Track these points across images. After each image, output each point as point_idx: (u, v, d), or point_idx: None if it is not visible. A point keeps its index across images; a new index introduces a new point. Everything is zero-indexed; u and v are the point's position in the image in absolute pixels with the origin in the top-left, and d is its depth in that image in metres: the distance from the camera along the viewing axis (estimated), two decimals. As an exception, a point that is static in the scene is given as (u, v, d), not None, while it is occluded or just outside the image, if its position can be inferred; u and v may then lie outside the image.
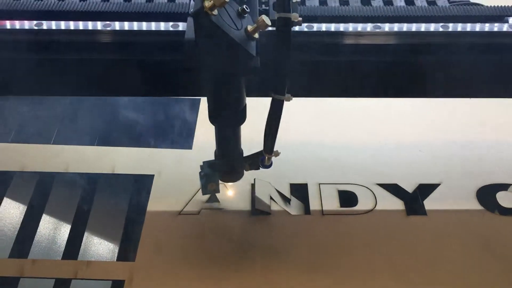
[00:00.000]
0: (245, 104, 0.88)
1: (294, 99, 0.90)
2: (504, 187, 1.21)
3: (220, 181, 1.08)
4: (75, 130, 1.39)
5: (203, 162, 1.04)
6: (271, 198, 1.19)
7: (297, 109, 1.39)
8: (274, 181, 1.22)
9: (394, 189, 1.21)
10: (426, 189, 1.20)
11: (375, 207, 1.17)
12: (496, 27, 0.90)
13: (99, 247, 1.13)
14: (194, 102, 1.46)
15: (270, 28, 0.73)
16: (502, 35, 0.89)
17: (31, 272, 1.04)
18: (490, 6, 0.92)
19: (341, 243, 1.10)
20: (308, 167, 1.26)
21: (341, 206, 1.17)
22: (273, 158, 0.95)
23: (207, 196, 1.16)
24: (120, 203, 1.21)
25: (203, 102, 1.45)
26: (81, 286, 1.04)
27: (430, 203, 1.17)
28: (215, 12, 0.68)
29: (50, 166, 1.27)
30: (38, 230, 1.15)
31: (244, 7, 0.74)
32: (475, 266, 1.06)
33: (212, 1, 0.67)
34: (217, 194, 1.13)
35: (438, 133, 1.34)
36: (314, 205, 1.18)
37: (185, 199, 1.18)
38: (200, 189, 1.09)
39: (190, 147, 1.33)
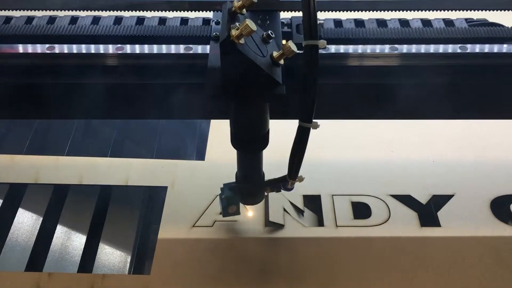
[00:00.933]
0: (268, 129, 0.87)
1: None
2: (518, 198, 1.21)
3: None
4: (89, 141, 1.40)
5: (224, 185, 1.04)
6: (284, 210, 1.19)
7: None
8: (288, 192, 1.22)
9: (407, 200, 1.21)
10: (439, 200, 1.20)
11: (388, 218, 1.17)
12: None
13: (114, 260, 1.14)
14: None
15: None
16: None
17: (47, 285, 1.05)
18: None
19: (355, 255, 1.10)
20: (321, 179, 1.26)
21: (355, 217, 1.17)
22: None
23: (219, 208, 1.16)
24: (134, 215, 1.22)
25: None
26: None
27: (443, 214, 1.17)
28: (242, 40, 0.67)
29: (64, 178, 1.28)
30: (53, 243, 1.16)
31: (270, 32, 0.74)
32: (488, 278, 1.06)
33: (239, 30, 0.66)
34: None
35: (451, 144, 1.34)
36: (327, 217, 1.18)
37: (199, 211, 1.18)
38: (220, 209, 1.06)
39: (202, 158, 1.33)
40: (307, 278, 1.06)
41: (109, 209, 1.24)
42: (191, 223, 1.16)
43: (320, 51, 0.81)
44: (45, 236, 1.18)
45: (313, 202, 1.21)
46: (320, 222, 1.17)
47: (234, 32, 0.66)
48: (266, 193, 1.02)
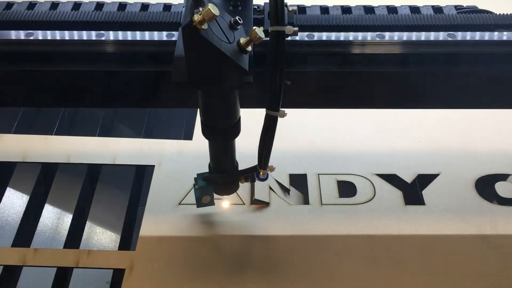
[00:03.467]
0: (239, 117, 0.85)
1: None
2: (503, 177, 1.21)
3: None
4: (77, 121, 1.41)
5: (197, 175, 1.02)
6: (270, 188, 1.20)
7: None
8: (274, 171, 1.23)
9: (393, 179, 1.21)
10: (424, 179, 1.21)
11: (373, 197, 1.18)
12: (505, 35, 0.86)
13: (101, 237, 1.15)
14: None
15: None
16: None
17: (33, 261, 1.06)
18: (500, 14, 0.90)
19: (339, 232, 1.11)
20: (308, 158, 1.27)
21: (340, 196, 1.18)
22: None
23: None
24: (121, 194, 1.22)
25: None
26: (83, 274, 1.06)
27: (428, 193, 1.18)
28: (205, 26, 0.65)
29: (52, 157, 1.28)
30: (40, 220, 1.17)
31: (237, 18, 0.72)
32: (471, 255, 1.07)
33: (201, 15, 0.64)
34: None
35: (438, 124, 1.34)
36: (313, 195, 1.19)
37: (185, 189, 1.19)
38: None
39: (190, 138, 1.34)
40: (291, 255, 1.07)
41: (97, 188, 1.25)
42: (177, 201, 1.17)
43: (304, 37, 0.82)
44: (32, 214, 1.19)
45: (299, 181, 1.22)
46: (305, 201, 1.18)
47: (196, 18, 0.64)
48: (240, 183, 1.01)
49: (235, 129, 0.86)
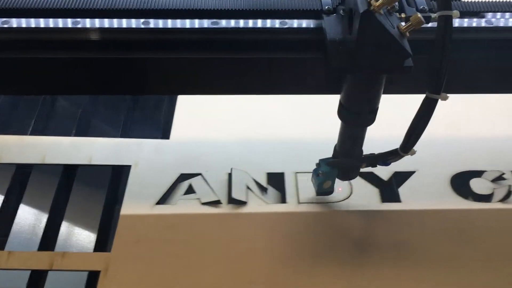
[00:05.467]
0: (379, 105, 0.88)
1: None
2: (478, 174, 1.22)
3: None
4: (53, 121, 1.39)
5: (320, 160, 1.04)
6: (247, 187, 1.19)
7: (273, 100, 1.40)
8: (251, 170, 1.23)
9: (370, 177, 1.22)
10: (401, 177, 1.22)
11: (350, 195, 1.18)
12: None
13: (76, 238, 1.14)
14: (172, 92, 1.46)
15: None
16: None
17: (6, 264, 1.05)
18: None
19: (315, 230, 1.12)
20: (286, 156, 1.27)
21: (317, 194, 1.19)
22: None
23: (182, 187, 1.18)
24: (97, 194, 1.21)
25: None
26: (59, 277, 1.05)
27: (404, 190, 1.19)
28: (381, 11, 0.69)
29: (27, 158, 1.26)
30: (16, 222, 1.15)
31: (395, 4, 0.74)
32: (447, 251, 1.08)
33: (381, 1, 0.68)
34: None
35: (376, 125, 1.35)
36: (290, 194, 1.19)
37: (162, 189, 1.18)
38: (314, 185, 1.08)
39: (168, 137, 1.33)
40: (266, 253, 1.07)
41: (73, 188, 1.23)
42: (153, 201, 1.16)
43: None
44: (7, 216, 1.17)
45: (276, 180, 1.22)
46: (282, 199, 1.18)
47: (375, 3, 0.68)
48: (361, 168, 1.03)
49: (374, 115, 0.90)
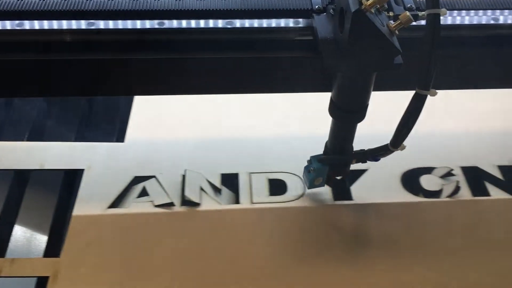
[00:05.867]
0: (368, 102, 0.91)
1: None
2: (428, 170, 1.25)
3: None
4: (5, 125, 1.37)
5: (311, 157, 1.05)
6: (201, 189, 1.20)
7: (228, 101, 1.41)
8: (206, 171, 1.24)
9: (323, 176, 1.24)
10: (353, 175, 1.23)
11: (303, 194, 1.20)
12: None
13: (28, 244, 1.13)
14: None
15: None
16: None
17: (-48, 272, 1.03)
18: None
19: (268, 229, 1.12)
20: (240, 157, 1.28)
21: (271, 194, 1.19)
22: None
23: (136, 191, 1.18)
24: (50, 199, 1.20)
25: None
26: (7, 284, 1.04)
27: (356, 188, 1.21)
28: (373, 10, 0.71)
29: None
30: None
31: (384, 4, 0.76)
32: (398, 247, 1.10)
33: (372, 1, 0.70)
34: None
35: (365, 122, 1.37)
36: (244, 194, 1.19)
37: (114, 193, 1.17)
38: (305, 181, 1.11)
39: (122, 140, 1.32)
40: (218, 253, 1.07)
41: (26, 193, 1.21)
42: (106, 204, 1.15)
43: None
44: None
45: (230, 181, 1.22)
46: (236, 200, 1.19)
47: (366, 2, 0.69)
48: (351, 164, 1.05)
49: (364, 112, 0.92)
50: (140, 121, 1.37)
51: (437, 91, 0.79)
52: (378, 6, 0.75)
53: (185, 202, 1.16)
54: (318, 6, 0.89)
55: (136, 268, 1.05)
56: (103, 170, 1.23)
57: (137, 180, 1.21)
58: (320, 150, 1.10)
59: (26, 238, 1.14)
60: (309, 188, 1.12)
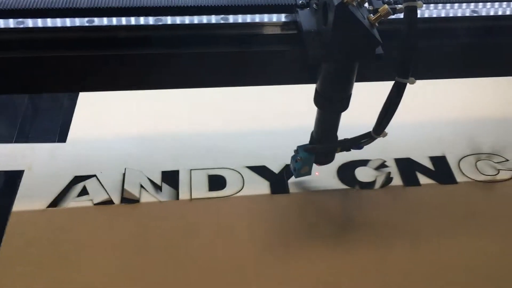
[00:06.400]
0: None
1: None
2: (363, 163, 1.30)
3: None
4: None
5: (298, 147, 1.09)
6: (141, 186, 1.22)
7: (168, 97, 1.43)
8: (146, 169, 1.26)
9: (262, 170, 1.27)
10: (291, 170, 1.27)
11: (242, 189, 1.23)
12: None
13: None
14: (72, 95, 1.46)
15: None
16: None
17: None
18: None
19: (207, 225, 1.15)
20: (181, 154, 1.30)
21: (210, 190, 1.22)
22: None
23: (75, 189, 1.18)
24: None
25: (82, 96, 1.46)
26: None
27: (293, 183, 1.24)
28: (354, 3, 0.76)
29: None
30: None
31: None
32: (333, 239, 1.14)
33: None
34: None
35: (303, 115, 1.41)
36: (183, 191, 1.22)
37: (54, 192, 1.18)
38: (292, 170, 1.14)
39: (64, 141, 1.33)
40: (158, 248, 1.10)
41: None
42: (45, 204, 1.16)
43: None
44: None
45: (171, 178, 1.25)
46: (176, 196, 1.21)
47: None
48: (336, 153, 1.09)
49: (347, 101, 0.96)
50: (82, 120, 1.39)
51: (415, 80, 0.84)
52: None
53: (124, 199, 1.18)
54: (302, 1, 0.94)
55: (73, 265, 1.06)
56: (43, 170, 1.24)
57: (78, 179, 1.22)
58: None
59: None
60: (296, 177, 1.16)
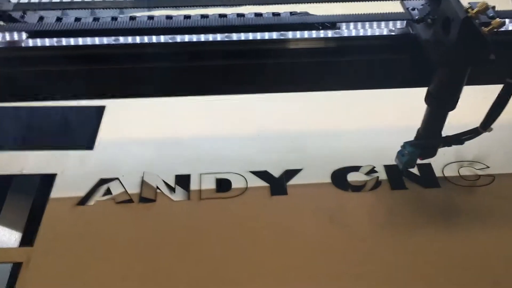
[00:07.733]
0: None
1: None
2: (355, 169, 1.44)
3: None
4: None
5: (405, 143, 1.23)
6: (157, 187, 1.39)
7: (184, 106, 1.61)
8: (162, 173, 1.43)
9: (263, 175, 1.42)
10: (290, 174, 1.42)
11: (245, 191, 1.38)
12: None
13: (5, 237, 1.30)
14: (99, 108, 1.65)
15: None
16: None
17: None
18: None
19: (215, 221, 1.31)
20: (193, 160, 1.47)
21: (217, 191, 1.38)
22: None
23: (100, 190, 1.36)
24: (27, 199, 1.38)
25: (108, 108, 1.64)
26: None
27: (291, 185, 1.39)
28: (477, 17, 0.91)
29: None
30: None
31: (470, 8, 0.95)
32: (326, 236, 1.28)
33: (478, 8, 0.91)
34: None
35: (307, 124, 1.57)
36: (194, 192, 1.38)
37: (83, 193, 1.37)
38: (399, 164, 1.29)
39: (91, 148, 1.51)
40: (172, 242, 1.26)
41: (7, 196, 1.40)
42: (74, 203, 1.34)
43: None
44: None
45: (183, 181, 1.41)
46: (187, 197, 1.37)
47: (472, 11, 0.91)
48: (438, 148, 1.24)
49: (456, 102, 1.09)
50: (109, 130, 1.57)
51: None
52: (480, 12, 0.94)
53: (142, 199, 1.35)
54: (418, 17, 1.11)
55: (98, 255, 1.23)
56: (73, 174, 1.43)
57: (102, 182, 1.40)
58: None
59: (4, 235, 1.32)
60: (402, 169, 1.30)
